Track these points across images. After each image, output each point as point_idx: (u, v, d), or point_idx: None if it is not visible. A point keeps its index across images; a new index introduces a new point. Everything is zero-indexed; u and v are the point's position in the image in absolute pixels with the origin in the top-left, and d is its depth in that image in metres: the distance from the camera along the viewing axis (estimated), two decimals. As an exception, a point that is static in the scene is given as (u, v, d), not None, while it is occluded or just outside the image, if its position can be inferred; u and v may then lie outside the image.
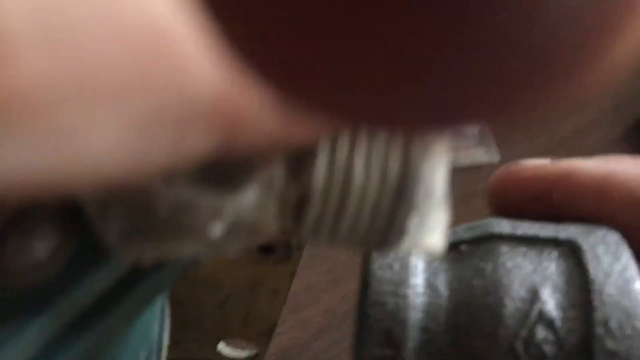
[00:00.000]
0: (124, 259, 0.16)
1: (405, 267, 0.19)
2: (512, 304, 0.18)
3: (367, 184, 0.15)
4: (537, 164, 0.22)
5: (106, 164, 0.10)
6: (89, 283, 0.16)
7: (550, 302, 0.18)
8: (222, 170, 0.14)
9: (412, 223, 0.15)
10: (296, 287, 0.54)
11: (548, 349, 0.18)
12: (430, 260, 0.20)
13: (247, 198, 0.14)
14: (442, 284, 0.19)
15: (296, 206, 0.15)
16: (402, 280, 0.19)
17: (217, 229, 0.15)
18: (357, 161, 0.15)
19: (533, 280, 0.18)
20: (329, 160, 0.15)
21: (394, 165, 0.15)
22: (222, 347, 0.49)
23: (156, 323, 0.24)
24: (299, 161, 0.15)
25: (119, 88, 0.09)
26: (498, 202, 0.23)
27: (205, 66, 0.10)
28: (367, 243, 0.16)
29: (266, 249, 0.38)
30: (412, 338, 0.18)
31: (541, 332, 0.18)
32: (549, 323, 0.18)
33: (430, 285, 0.19)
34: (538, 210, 0.21)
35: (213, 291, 0.42)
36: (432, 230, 0.15)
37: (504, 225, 0.20)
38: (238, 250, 0.16)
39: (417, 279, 0.19)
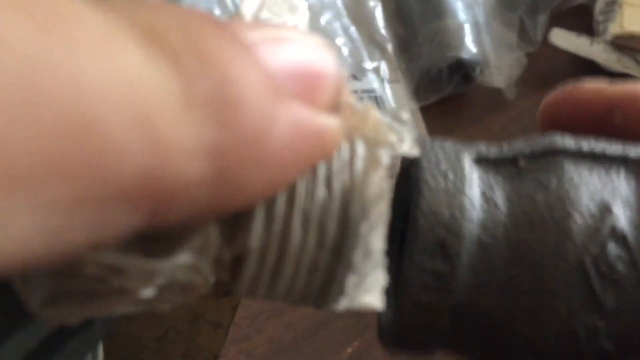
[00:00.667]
0: (48, 322, 0.15)
1: (460, 177, 0.17)
2: (580, 218, 0.17)
3: (304, 244, 0.15)
4: (597, 86, 0.21)
5: (25, 248, 0.09)
6: (11, 345, 0.15)
7: (622, 218, 0.17)
8: (153, 235, 0.13)
9: (351, 283, 0.15)
10: (239, 318, 0.53)
11: (621, 267, 0.16)
12: (485, 173, 0.18)
13: (180, 261, 0.14)
14: (500, 198, 0.17)
15: (232, 265, 0.15)
16: (457, 191, 0.17)
17: (148, 292, 0.14)
18: (295, 220, 0.14)
19: (603, 195, 0.17)
20: (266, 219, 0.14)
21: (332, 225, 0.15)
22: (162, 382, 0.47)
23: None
24: (235, 221, 0.14)
25: (36, 174, 0.09)
26: (551, 125, 0.21)
27: (132, 145, 0.10)
28: (304, 301, 0.16)
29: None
30: (468, 252, 0.17)
31: (614, 249, 0.16)
32: (622, 240, 0.16)
33: (487, 199, 0.17)
34: (597, 133, 0.19)
35: (152, 325, 0.41)
36: (370, 289, 0.15)
37: (568, 141, 0.18)
38: (172, 306, 0.15)
39: (474, 191, 0.17)
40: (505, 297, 0.17)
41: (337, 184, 0.14)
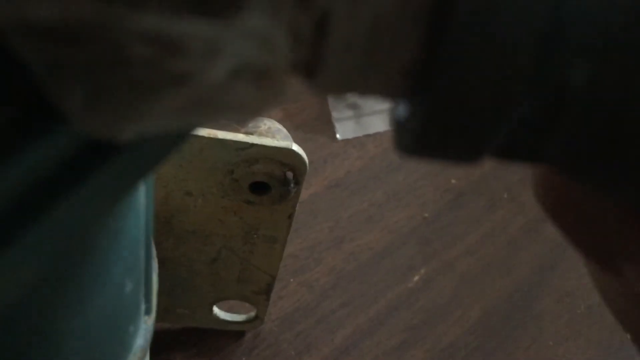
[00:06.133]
0: (91, 133, 0.12)
1: None
2: None
3: None
4: None
5: None
6: (42, 151, 0.12)
7: None
8: None
9: None
10: (296, 249, 0.50)
11: None
12: None
13: (249, 24, 0.10)
14: None
15: (314, 39, 0.11)
16: None
17: (216, 73, 0.11)
18: None
19: None
20: None
21: None
22: (218, 311, 0.44)
23: (141, 250, 0.20)
24: None
25: None
26: None
27: None
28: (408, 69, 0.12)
29: (259, 187, 0.34)
30: None
31: None
32: None
33: None
34: None
35: (203, 246, 0.38)
36: None
37: None
38: (244, 119, 0.12)
39: None
40: None
41: None
